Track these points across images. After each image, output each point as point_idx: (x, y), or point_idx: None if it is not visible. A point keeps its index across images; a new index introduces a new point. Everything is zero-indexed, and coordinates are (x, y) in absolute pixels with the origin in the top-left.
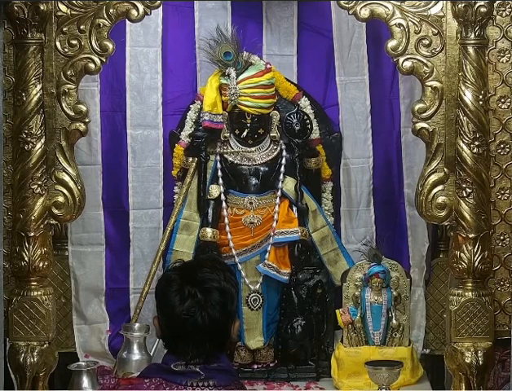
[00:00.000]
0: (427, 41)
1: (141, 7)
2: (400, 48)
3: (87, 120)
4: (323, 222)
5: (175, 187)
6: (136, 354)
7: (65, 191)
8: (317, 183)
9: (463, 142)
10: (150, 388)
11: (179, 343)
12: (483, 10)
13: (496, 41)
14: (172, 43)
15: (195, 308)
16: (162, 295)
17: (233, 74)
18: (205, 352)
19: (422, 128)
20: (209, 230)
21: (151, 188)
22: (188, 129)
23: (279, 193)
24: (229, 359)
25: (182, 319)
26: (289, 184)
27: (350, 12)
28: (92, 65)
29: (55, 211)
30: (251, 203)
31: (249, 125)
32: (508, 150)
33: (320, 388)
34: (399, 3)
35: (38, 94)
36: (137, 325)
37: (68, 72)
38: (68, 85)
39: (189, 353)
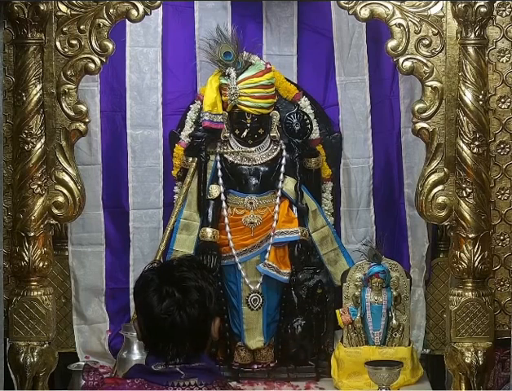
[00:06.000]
0: (427, 41)
1: (141, 7)
2: (400, 48)
3: (87, 120)
4: (323, 222)
5: (175, 187)
6: (136, 354)
7: (65, 191)
8: (317, 183)
9: (463, 142)
10: (132, 388)
11: (159, 343)
12: (483, 10)
13: (496, 41)
14: (172, 43)
15: (173, 307)
16: (140, 295)
17: (233, 74)
18: (185, 351)
19: (422, 128)
20: (209, 230)
21: (151, 188)
22: (188, 129)
23: (279, 193)
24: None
25: (161, 319)
26: (289, 184)
27: (350, 12)
28: (92, 65)
29: (55, 211)
30: (251, 203)
31: (249, 125)
32: (508, 150)
33: (320, 388)
34: (399, 3)
35: (38, 94)
36: None
37: (68, 72)
38: (68, 85)
39: (169, 353)
